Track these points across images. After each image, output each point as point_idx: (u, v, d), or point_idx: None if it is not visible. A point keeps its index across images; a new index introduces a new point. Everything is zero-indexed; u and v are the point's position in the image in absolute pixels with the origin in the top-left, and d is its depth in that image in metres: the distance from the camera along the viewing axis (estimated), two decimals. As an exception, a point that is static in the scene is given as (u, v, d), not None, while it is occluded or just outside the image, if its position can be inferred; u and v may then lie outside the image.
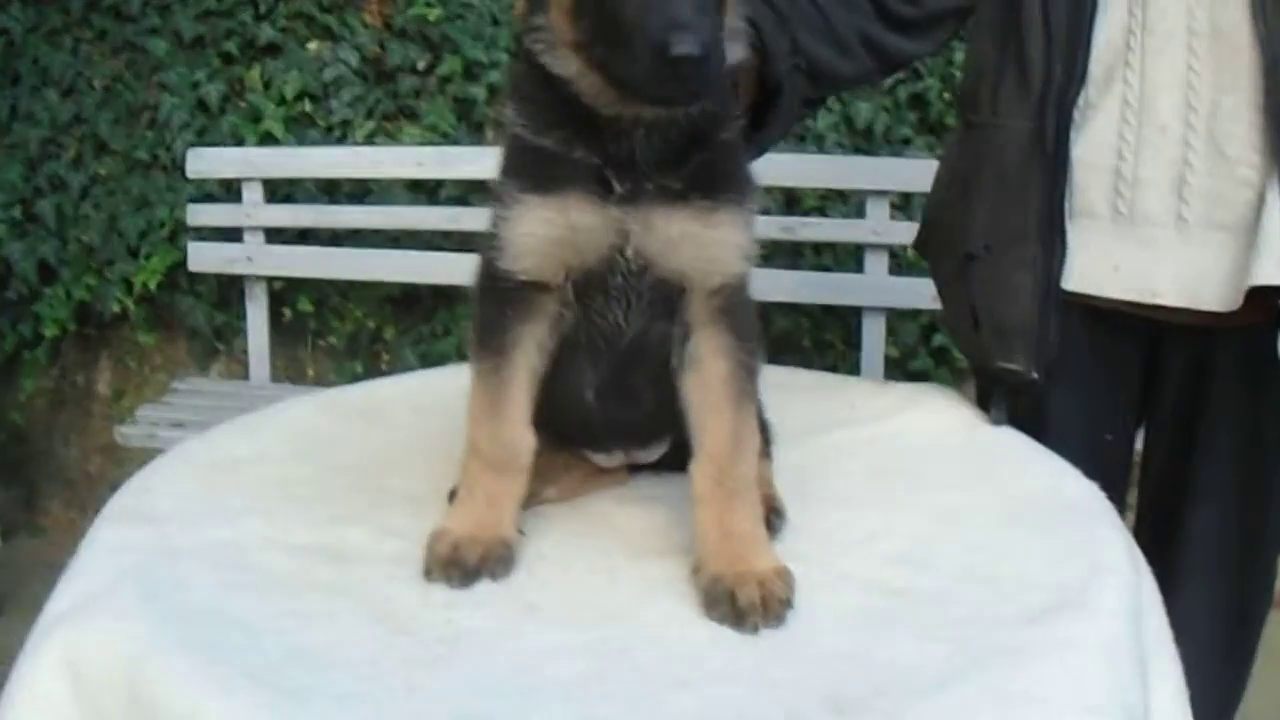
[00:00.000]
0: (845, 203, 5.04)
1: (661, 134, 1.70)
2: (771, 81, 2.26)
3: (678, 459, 1.90)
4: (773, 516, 1.88)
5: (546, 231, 1.72)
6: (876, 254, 4.87)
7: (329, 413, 2.43)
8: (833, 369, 5.07)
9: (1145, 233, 2.32)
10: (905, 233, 4.78)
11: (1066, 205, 2.34)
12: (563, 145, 1.71)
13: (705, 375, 1.77)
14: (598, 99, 1.68)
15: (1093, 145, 2.34)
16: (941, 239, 2.58)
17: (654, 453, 2.04)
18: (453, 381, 2.34)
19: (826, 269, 5.13)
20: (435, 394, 2.42)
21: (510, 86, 1.82)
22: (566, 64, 1.68)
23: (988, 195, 2.41)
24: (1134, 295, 2.36)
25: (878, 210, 4.83)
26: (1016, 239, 2.36)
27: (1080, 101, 2.32)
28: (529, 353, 1.77)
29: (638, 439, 2.01)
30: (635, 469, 2.10)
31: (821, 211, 5.04)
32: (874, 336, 4.90)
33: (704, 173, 1.73)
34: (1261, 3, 2.17)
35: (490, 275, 1.77)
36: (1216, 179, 2.26)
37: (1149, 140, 2.29)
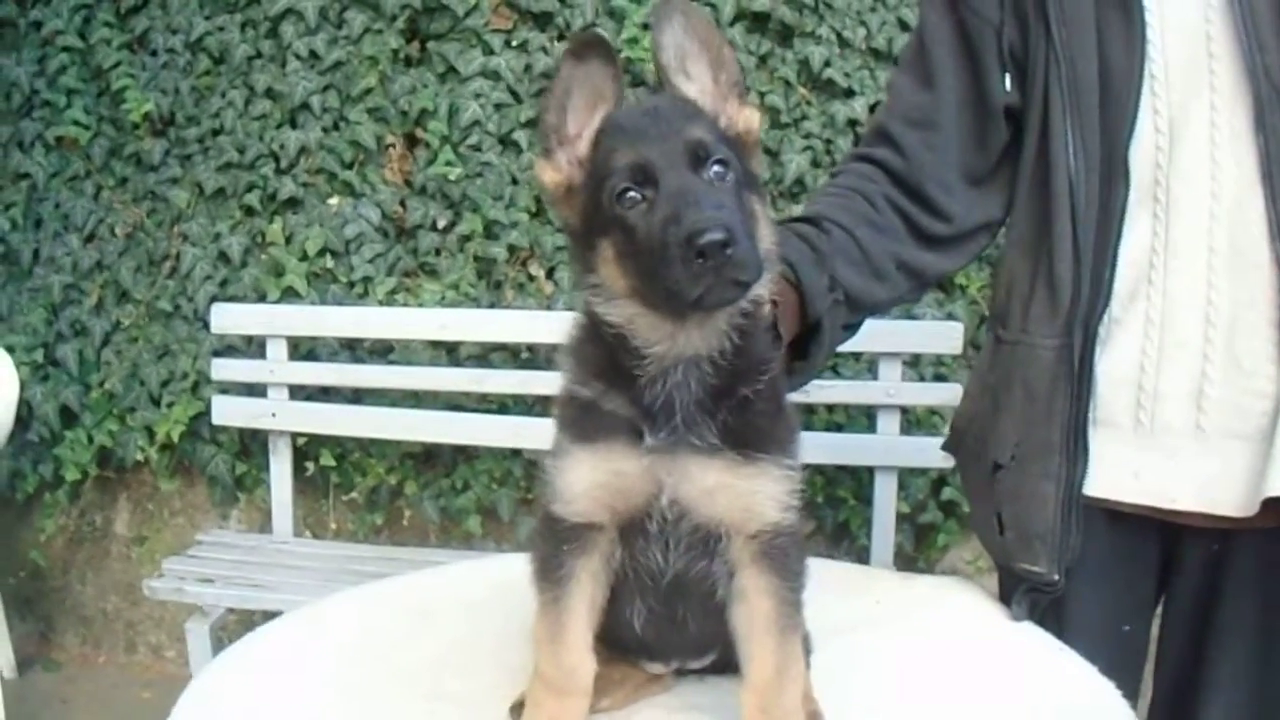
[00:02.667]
0: (858, 361, 5.12)
1: (697, 378, 1.74)
2: (812, 317, 2.30)
3: (726, 661, 1.94)
4: (817, 732, 1.94)
5: (592, 478, 1.77)
6: (888, 414, 4.95)
7: (379, 610, 2.49)
8: (845, 524, 5.18)
9: (1165, 442, 2.35)
10: (917, 393, 4.91)
11: (1089, 416, 2.39)
12: (602, 396, 1.78)
13: (750, 611, 1.81)
14: (650, 336, 1.73)
15: (1116, 360, 2.38)
16: (971, 447, 2.63)
17: (705, 660, 2.09)
18: (495, 574, 2.42)
19: (839, 427, 5.20)
20: (481, 588, 2.49)
21: (567, 341, 1.87)
22: (623, 310, 1.74)
23: (1015, 409, 2.46)
24: (1153, 501, 2.39)
25: (890, 371, 4.91)
26: (1042, 451, 2.40)
27: (1105, 318, 2.36)
28: (584, 584, 1.82)
29: (689, 655, 2.07)
30: (682, 672, 2.14)
31: (834, 370, 5.10)
32: (886, 493, 4.97)
33: (739, 424, 1.77)
34: (1278, 222, 2.22)
35: (548, 517, 1.84)
36: (1233, 390, 2.29)
37: (1170, 354, 2.33)
